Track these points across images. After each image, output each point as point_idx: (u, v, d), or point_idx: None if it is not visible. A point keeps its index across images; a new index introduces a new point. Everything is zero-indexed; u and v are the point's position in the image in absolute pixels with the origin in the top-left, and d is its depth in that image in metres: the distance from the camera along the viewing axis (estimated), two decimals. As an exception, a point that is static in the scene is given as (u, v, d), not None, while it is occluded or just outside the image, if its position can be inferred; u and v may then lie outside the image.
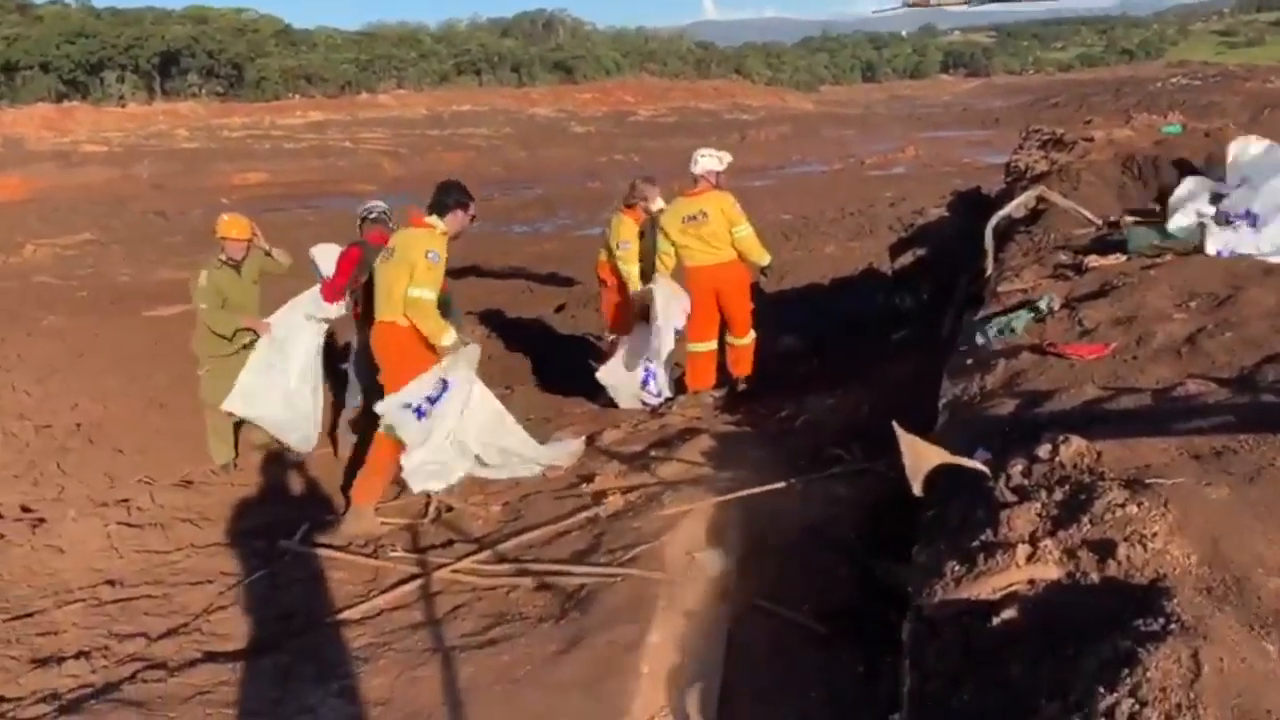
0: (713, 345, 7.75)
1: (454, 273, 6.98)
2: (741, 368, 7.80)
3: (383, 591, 4.76)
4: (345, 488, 6.18)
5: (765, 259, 7.76)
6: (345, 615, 4.58)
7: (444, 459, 5.77)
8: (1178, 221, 5.26)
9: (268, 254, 7.24)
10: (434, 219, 5.87)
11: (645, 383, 7.68)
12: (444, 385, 5.70)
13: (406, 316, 5.71)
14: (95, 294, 15.10)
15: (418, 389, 5.67)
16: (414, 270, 5.64)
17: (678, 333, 7.56)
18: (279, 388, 6.89)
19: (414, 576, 4.86)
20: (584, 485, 5.61)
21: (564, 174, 36.03)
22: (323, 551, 5.38)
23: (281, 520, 6.01)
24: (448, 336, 5.72)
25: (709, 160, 7.59)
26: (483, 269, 14.74)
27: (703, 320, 7.65)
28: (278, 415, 6.95)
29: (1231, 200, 5.34)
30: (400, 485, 6.00)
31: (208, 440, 7.11)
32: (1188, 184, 5.74)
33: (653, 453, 5.95)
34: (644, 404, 7.67)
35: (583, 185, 31.28)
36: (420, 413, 5.65)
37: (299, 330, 6.97)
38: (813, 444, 5.64)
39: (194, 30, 63.65)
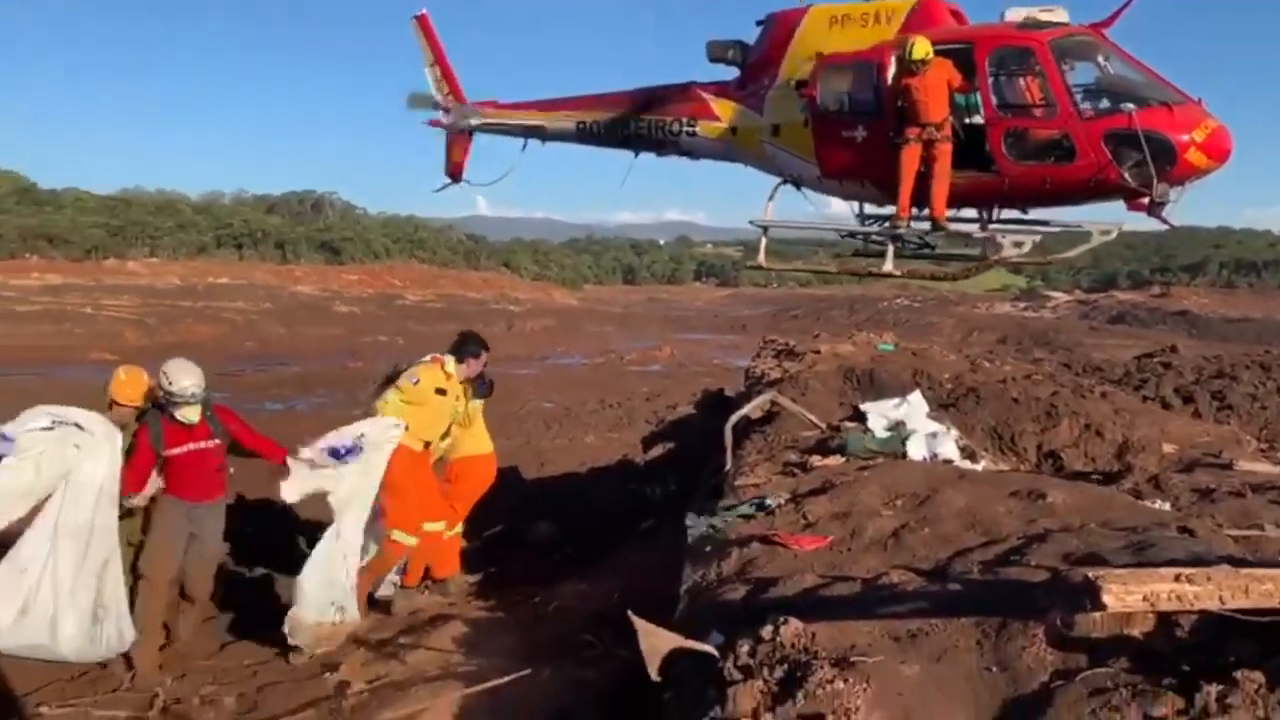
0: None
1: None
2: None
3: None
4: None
5: None
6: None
7: None
8: (878, 432, 6.02)
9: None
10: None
11: None
12: None
13: None
14: None
15: None
16: None
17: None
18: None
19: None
20: (327, 674, 5.41)
21: (325, 353, 35.28)
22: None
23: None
24: None
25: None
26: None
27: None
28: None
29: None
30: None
31: None
32: (875, 406, 6.59)
33: (402, 640, 5.84)
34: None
35: (343, 365, 30.70)
36: None
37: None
38: (564, 630, 5.75)
39: (-80, 181, 58.90)
